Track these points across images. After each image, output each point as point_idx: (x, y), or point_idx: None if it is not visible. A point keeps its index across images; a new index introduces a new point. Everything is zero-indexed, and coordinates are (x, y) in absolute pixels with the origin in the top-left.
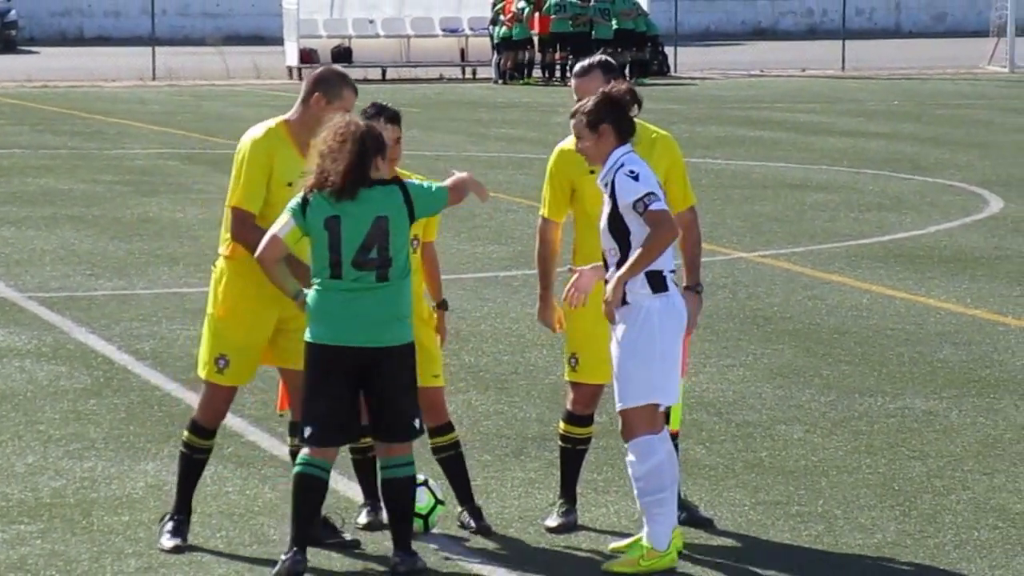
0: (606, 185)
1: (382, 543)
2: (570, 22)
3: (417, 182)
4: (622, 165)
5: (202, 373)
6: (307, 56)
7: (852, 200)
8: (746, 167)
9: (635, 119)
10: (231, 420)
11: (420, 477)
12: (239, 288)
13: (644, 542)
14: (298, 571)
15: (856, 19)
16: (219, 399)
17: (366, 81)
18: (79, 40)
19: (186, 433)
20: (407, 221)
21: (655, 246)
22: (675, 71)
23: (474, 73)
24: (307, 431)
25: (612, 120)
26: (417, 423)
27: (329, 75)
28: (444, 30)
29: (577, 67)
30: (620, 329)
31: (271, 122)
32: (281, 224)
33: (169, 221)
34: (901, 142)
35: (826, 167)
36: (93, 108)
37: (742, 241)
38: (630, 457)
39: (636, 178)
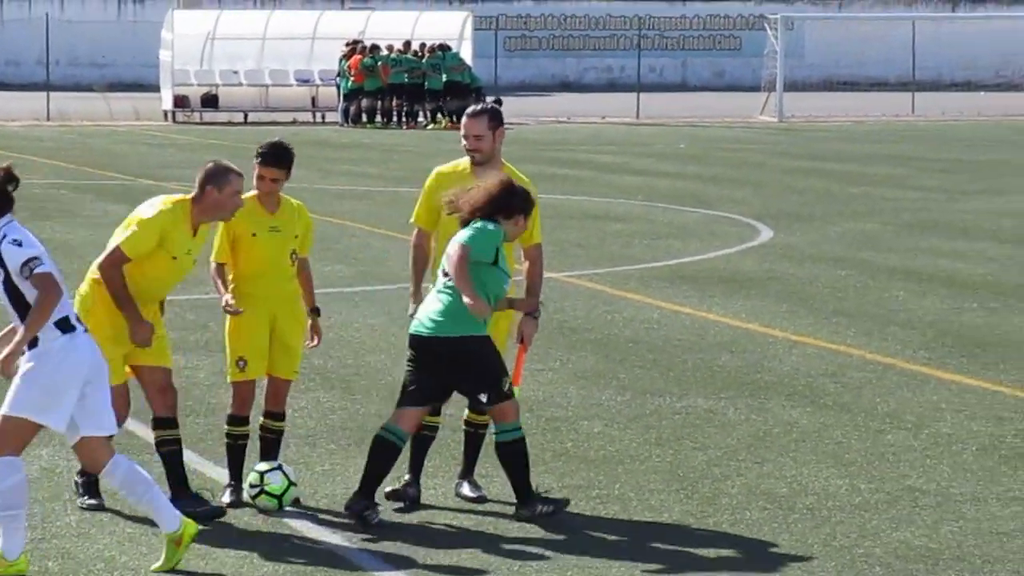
0: None
1: (242, 518)
2: (406, 75)
3: None
4: (5, 235)
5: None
6: (180, 101)
7: (645, 229)
8: (556, 200)
9: (506, 164)
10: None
11: (274, 463)
12: (101, 312)
13: None
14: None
15: (649, 75)
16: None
17: (230, 124)
18: None
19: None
20: None
21: (43, 307)
22: None
23: (323, 118)
24: None
25: None
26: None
27: (216, 170)
28: (298, 80)
29: (470, 109)
30: (24, 358)
31: (180, 198)
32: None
33: (61, 242)
34: (687, 180)
35: (623, 201)
36: None
37: (551, 263)
38: None
39: (20, 244)
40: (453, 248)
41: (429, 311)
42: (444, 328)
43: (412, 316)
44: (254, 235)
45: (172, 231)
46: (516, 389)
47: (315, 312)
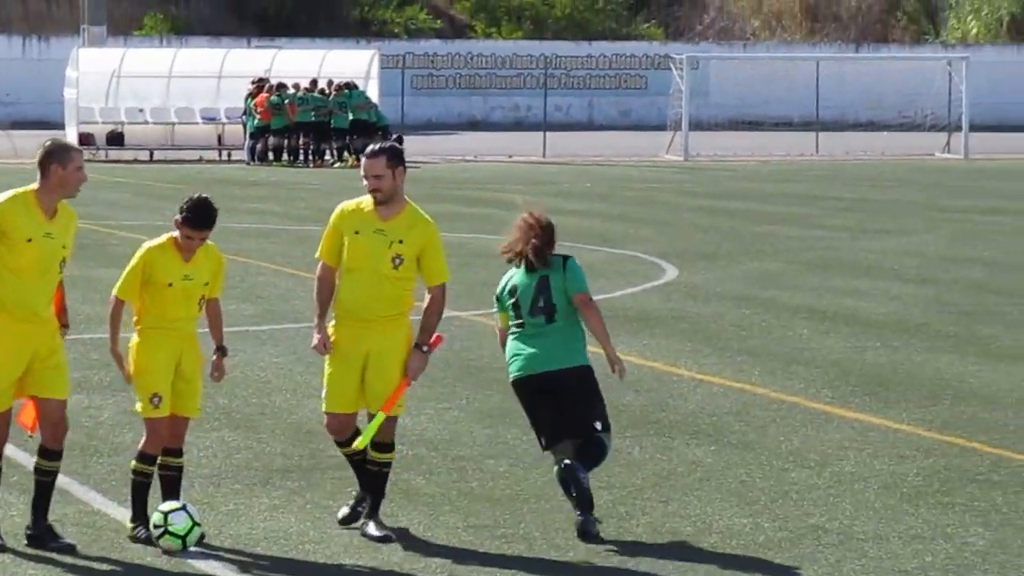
0: None
1: (146, 557)
2: (313, 113)
3: None
4: None
5: None
6: (85, 139)
7: None
8: (462, 239)
9: (409, 202)
10: (16, 453)
11: (178, 503)
12: None
13: None
14: None
15: (555, 114)
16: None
17: (136, 162)
18: None
19: None
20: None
21: None
22: None
23: (229, 156)
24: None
25: None
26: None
27: (56, 147)
28: (204, 118)
29: (369, 148)
30: None
31: (22, 189)
32: None
33: None
34: (593, 219)
35: None
36: None
37: (458, 302)
38: None
39: None
40: (583, 301)
41: (559, 346)
42: (577, 358)
43: (317, 348)
44: (170, 285)
45: (13, 217)
46: (383, 415)
47: (221, 351)
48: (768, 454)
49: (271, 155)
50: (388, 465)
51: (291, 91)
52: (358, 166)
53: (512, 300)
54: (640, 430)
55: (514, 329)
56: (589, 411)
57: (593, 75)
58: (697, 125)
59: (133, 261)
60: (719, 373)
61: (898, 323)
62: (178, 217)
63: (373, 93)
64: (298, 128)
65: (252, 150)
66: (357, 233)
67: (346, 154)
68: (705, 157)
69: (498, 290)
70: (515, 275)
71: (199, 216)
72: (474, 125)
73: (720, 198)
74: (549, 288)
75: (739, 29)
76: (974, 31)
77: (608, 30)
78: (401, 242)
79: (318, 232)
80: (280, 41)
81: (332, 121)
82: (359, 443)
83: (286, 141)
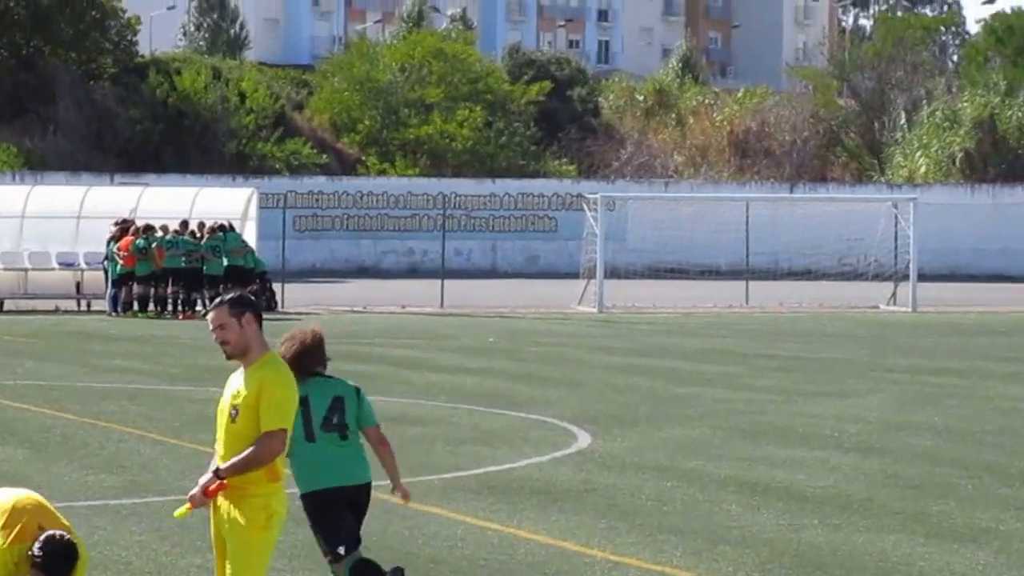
0: None
1: None
2: (183, 258)
3: None
4: None
5: None
6: None
7: (448, 434)
8: None
9: (268, 351)
10: None
11: None
12: None
13: None
14: None
15: (455, 259)
16: None
17: None
18: None
19: None
20: None
21: None
22: (283, 307)
23: (89, 305)
24: None
25: None
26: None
27: None
28: (61, 264)
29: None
30: None
31: None
32: None
33: None
34: (496, 378)
35: (423, 401)
36: None
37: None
38: None
39: None
40: (380, 438)
41: (360, 460)
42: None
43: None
44: None
45: None
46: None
47: None
48: None
49: (136, 305)
50: None
51: (159, 234)
52: None
53: (300, 409)
54: None
55: (303, 441)
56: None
57: (497, 216)
58: (613, 272)
59: None
60: (637, 554)
61: (838, 498)
62: (30, 552)
63: (251, 236)
64: (166, 275)
65: (115, 299)
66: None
67: None
68: (621, 309)
69: None
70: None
71: (55, 566)
72: (363, 271)
73: (638, 355)
74: (344, 410)
75: (660, 166)
76: (923, 169)
77: (514, 166)
78: (237, 392)
79: (186, 393)
80: (147, 177)
81: (205, 267)
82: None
83: (153, 290)
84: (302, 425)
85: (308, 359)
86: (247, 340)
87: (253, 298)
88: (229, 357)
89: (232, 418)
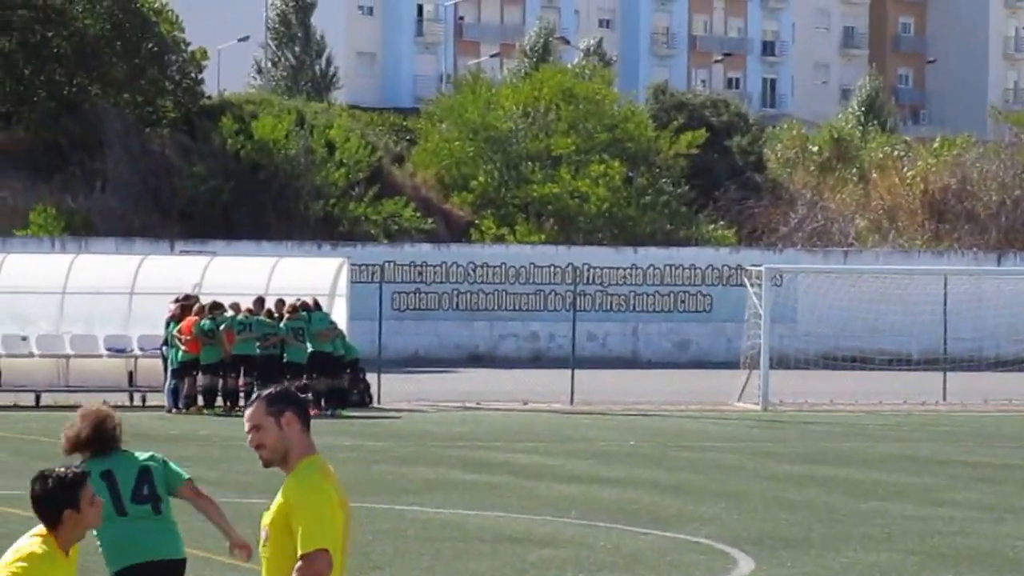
0: None
1: None
2: (257, 343)
3: None
4: None
5: None
6: None
7: (581, 558)
8: (460, 516)
9: (305, 458)
10: None
11: None
12: None
13: None
14: None
15: (588, 345)
16: None
17: (16, 408)
18: None
19: None
20: None
21: None
22: (378, 402)
23: (144, 400)
24: None
25: None
26: None
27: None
28: (110, 349)
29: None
30: None
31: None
32: None
33: None
34: (638, 489)
35: (551, 518)
36: None
37: None
38: None
39: None
40: (195, 492)
41: (173, 534)
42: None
43: None
44: None
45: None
46: None
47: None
48: None
49: (201, 400)
50: None
51: (229, 313)
52: (319, 415)
53: (106, 484)
54: None
55: (114, 517)
56: None
57: (639, 293)
58: (780, 362)
59: None
60: None
61: None
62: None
63: (340, 316)
64: (237, 363)
65: (174, 393)
66: None
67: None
68: (790, 405)
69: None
70: (101, 462)
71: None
72: (477, 359)
73: (811, 462)
74: (152, 480)
75: (838, 232)
76: None
77: (659, 232)
78: (269, 511)
79: (263, 505)
80: (214, 245)
81: (284, 354)
82: None
83: (221, 381)
84: (111, 500)
85: (110, 433)
86: (286, 444)
87: (298, 394)
88: (266, 464)
89: (262, 542)
